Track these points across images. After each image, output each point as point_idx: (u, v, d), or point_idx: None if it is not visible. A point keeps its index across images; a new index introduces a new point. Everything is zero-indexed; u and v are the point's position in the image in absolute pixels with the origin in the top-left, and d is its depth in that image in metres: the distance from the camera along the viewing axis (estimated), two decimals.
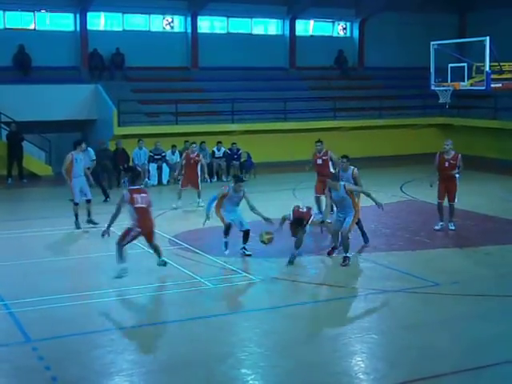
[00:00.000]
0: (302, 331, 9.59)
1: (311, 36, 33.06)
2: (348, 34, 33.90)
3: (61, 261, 13.23)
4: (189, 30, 30.33)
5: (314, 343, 9.18)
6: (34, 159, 24.72)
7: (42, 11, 28.49)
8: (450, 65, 19.69)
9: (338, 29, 33.75)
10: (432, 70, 19.84)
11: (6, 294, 10.87)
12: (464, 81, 19.15)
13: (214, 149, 24.82)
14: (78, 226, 15.96)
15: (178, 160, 24.19)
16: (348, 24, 33.78)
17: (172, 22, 30.60)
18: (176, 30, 30.69)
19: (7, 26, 27.99)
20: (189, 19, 30.25)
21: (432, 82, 19.85)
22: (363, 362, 8.61)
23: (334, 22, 33.51)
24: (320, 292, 11.55)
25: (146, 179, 23.29)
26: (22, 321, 9.62)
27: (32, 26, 28.55)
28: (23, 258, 13.29)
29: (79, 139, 17.24)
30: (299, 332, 9.57)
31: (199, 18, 30.42)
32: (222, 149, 24.88)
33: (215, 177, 24.40)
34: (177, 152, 24.33)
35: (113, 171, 23.03)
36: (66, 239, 14.95)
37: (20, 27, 28.34)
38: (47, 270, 12.63)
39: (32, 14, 28.40)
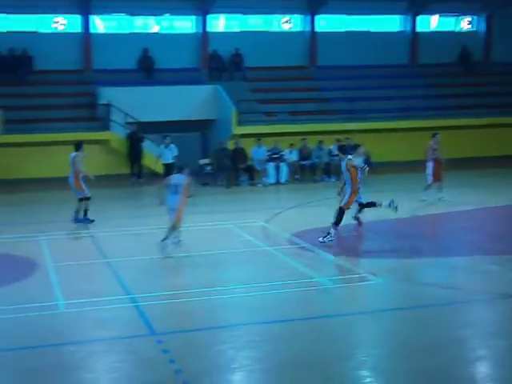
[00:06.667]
0: (424, 334, 9.32)
1: (433, 32, 32.23)
2: (473, 29, 32.76)
3: (186, 256, 13.52)
4: (307, 29, 30.32)
5: (436, 347, 8.87)
6: (155, 158, 25.44)
7: (166, 15, 29.35)
8: None
9: (463, 24, 32.70)
10: None
11: (133, 287, 11.24)
12: None
13: (332, 147, 24.64)
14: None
15: (295, 159, 24.25)
16: (475, 18, 32.64)
17: (290, 21, 30.71)
18: (294, 29, 30.76)
19: (133, 31, 29.05)
20: (307, 18, 30.24)
21: None
22: (489, 368, 8.26)
23: (458, 17, 32.51)
24: (442, 294, 11.18)
25: (264, 178, 23.49)
26: (148, 314, 9.90)
27: (155, 30, 29.47)
28: (150, 253, 13.66)
29: (80, 141, 17.78)
30: (420, 335, 9.30)
31: (317, 16, 30.35)
32: None
33: (333, 176, 24.10)
34: (294, 151, 24.37)
35: (231, 170, 23.38)
36: (191, 235, 15.14)
37: (145, 31, 29.34)
38: (173, 265, 12.96)
39: (156, 17, 29.33)
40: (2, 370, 8.18)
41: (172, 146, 20.92)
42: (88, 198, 16.92)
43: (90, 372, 8.12)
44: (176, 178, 13.55)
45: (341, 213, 14.18)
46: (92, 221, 16.76)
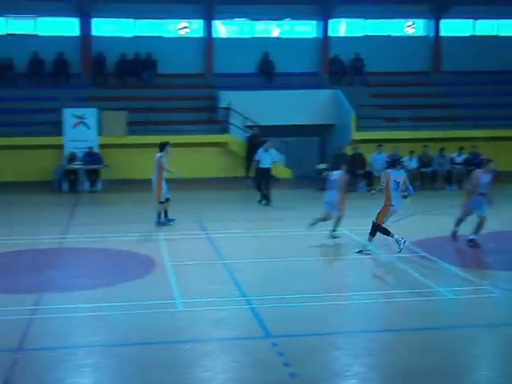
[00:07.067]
0: None
1: None
2: None
3: (303, 261, 13.47)
4: (430, 34, 29.62)
5: None
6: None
7: (287, 20, 29.51)
8: None
9: None
10: None
11: (248, 290, 11.27)
12: None
13: (454, 155, 23.88)
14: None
15: (415, 166, 23.69)
16: None
17: (413, 25, 30.13)
18: (417, 33, 30.13)
19: (254, 35, 29.38)
20: (431, 22, 29.55)
21: None
22: None
23: None
24: None
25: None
26: (263, 316, 9.87)
27: (276, 34, 29.67)
28: (265, 256, 13.71)
29: (165, 142, 17.06)
30: None
31: (442, 21, 29.58)
32: (463, 155, 23.81)
33: (455, 184, 23.30)
34: (414, 158, 23.81)
35: (349, 175, 23.07)
36: (309, 240, 15.02)
37: (265, 35, 29.61)
38: (289, 269, 12.90)
39: (276, 22, 29.53)
40: (121, 363, 8.38)
41: (272, 150, 20.86)
42: (162, 203, 16.73)
43: (205, 370, 8.16)
44: (335, 175, 14.63)
45: (378, 229, 13.87)
46: (163, 223, 16.61)
